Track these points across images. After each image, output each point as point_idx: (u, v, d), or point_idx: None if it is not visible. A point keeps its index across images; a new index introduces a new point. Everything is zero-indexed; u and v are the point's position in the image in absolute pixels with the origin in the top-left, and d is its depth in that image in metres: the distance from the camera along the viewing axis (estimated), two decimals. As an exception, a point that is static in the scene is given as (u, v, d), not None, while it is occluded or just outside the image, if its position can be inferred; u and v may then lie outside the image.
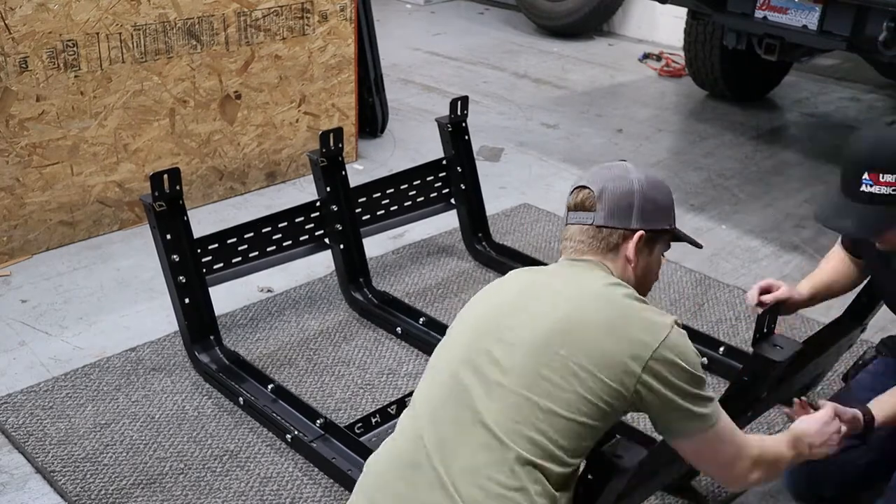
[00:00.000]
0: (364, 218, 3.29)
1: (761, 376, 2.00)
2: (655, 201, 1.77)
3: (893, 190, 1.91)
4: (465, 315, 1.80)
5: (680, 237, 1.86)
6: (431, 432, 1.63)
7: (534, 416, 1.56)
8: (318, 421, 2.54)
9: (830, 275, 2.36)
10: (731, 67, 5.32)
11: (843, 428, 1.95)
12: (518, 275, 1.84)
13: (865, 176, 1.93)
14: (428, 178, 3.50)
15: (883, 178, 1.90)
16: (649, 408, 1.63)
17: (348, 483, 2.32)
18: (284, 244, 3.08)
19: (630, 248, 1.74)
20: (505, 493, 1.53)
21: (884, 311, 2.47)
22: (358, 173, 4.22)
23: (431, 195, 3.52)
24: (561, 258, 1.82)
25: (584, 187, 1.78)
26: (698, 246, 1.94)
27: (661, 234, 1.81)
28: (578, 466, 1.64)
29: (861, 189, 1.94)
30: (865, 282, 2.42)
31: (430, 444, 1.62)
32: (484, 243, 3.61)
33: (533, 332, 1.63)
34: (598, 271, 1.73)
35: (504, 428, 1.56)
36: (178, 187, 2.72)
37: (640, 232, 1.75)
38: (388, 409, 2.63)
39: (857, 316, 2.45)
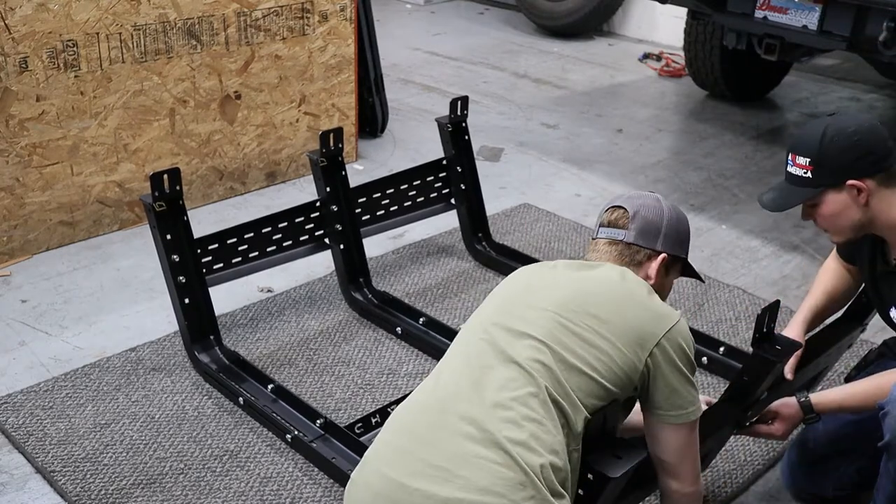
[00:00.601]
0: (364, 218, 3.29)
1: (761, 376, 2.00)
2: (679, 231, 1.95)
3: (803, 172, 2.05)
4: (488, 300, 1.93)
5: (690, 268, 2.02)
6: (458, 377, 1.73)
7: (556, 364, 1.70)
8: (318, 421, 2.54)
9: (820, 299, 2.35)
10: (731, 67, 5.32)
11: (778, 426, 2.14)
12: (542, 265, 1.99)
13: (789, 157, 2.09)
14: (428, 178, 3.50)
15: (798, 160, 2.06)
16: (652, 382, 1.77)
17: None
18: (284, 244, 3.08)
19: (653, 267, 1.90)
20: (535, 418, 1.63)
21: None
22: (358, 173, 4.22)
23: (431, 195, 3.52)
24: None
25: (620, 207, 1.94)
26: (701, 280, 2.10)
27: (677, 261, 1.97)
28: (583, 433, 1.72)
29: (787, 169, 2.10)
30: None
31: (458, 386, 1.71)
32: (484, 243, 3.61)
33: (561, 295, 1.80)
34: (621, 268, 1.89)
35: (532, 367, 1.69)
36: (178, 187, 2.72)
37: (664, 255, 1.91)
38: (388, 409, 2.63)
39: (857, 316, 2.44)
